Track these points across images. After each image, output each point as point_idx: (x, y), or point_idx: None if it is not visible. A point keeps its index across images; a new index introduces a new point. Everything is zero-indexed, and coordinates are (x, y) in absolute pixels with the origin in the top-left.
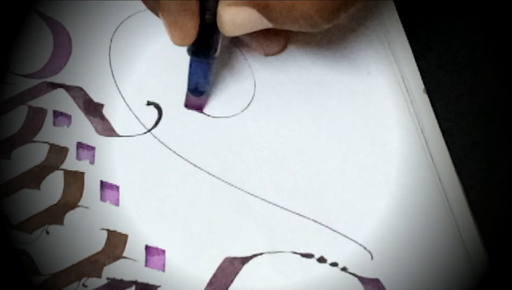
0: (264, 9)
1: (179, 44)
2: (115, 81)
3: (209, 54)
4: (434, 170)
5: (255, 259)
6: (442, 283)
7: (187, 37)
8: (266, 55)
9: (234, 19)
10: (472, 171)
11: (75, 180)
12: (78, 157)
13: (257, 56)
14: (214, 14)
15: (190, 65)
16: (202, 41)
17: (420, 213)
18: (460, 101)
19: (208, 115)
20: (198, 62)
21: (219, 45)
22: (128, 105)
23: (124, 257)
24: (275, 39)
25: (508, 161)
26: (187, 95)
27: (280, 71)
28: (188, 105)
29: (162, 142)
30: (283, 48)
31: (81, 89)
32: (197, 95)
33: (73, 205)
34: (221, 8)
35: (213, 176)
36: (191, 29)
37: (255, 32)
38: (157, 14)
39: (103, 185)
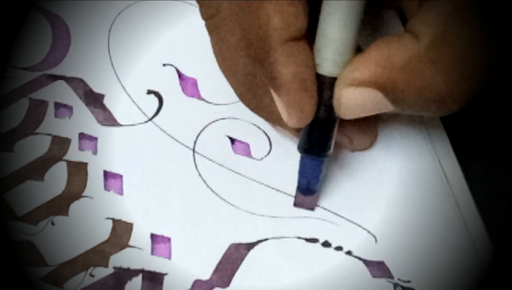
0: (390, 91)
1: (297, 125)
2: (115, 71)
3: (322, 151)
4: (435, 157)
5: (260, 245)
6: (446, 264)
7: (306, 117)
8: (353, 151)
9: (354, 101)
10: (474, 157)
11: (79, 170)
12: (81, 148)
13: None
14: (329, 107)
15: (301, 164)
16: (315, 138)
17: (423, 198)
18: None
19: (209, 102)
20: (310, 160)
21: (333, 141)
22: (128, 95)
23: (130, 246)
24: (366, 135)
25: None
26: (297, 195)
27: None
28: (298, 204)
29: (163, 130)
30: (372, 145)
31: (81, 80)
32: (308, 195)
33: (77, 195)
34: (340, 88)
35: (216, 163)
36: (310, 109)
37: (346, 128)
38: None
39: (107, 174)
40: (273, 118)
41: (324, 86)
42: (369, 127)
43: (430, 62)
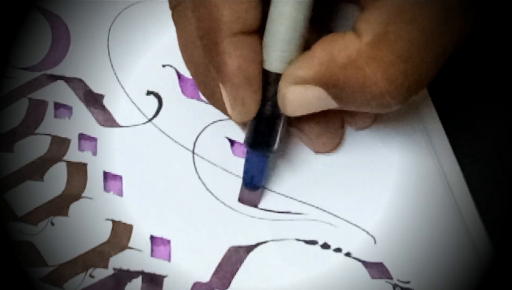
0: (332, 88)
1: (239, 119)
2: (114, 72)
3: (267, 147)
4: (435, 157)
5: (259, 247)
6: (446, 264)
7: (248, 112)
8: (316, 152)
9: (298, 99)
10: (473, 157)
11: (78, 171)
12: (80, 148)
13: None
14: (275, 103)
15: (246, 158)
16: (260, 133)
17: (423, 198)
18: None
19: (208, 103)
20: (255, 155)
21: (279, 138)
22: (128, 95)
23: (130, 248)
24: (328, 137)
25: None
26: (241, 189)
27: None
28: (242, 199)
29: (163, 132)
30: (334, 148)
31: (81, 80)
32: (252, 189)
33: (77, 196)
34: (285, 86)
35: (215, 165)
36: (252, 104)
37: (309, 129)
38: (209, 96)
39: (106, 175)
40: (223, 110)
41: (270, 82)
42: (331, 128)
43: (370, 59)
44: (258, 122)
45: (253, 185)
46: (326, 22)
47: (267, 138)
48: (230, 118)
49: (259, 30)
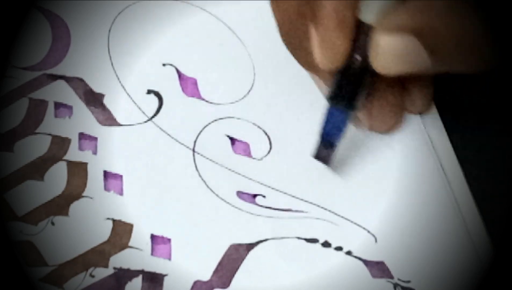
0: (427, 37)
1: (327, 65)
2: (115, 71)
3: (351, 103)
4: (435, 156)
5: (260, 245)
6: (446, 264)
7: (337, 58)
8: (370, 129)
9: (390, 48)
10: (473, 157)
11: (79, 170)
12: (81, 148)
13: (257, 44)
14: (364, 58)
15: (327, 114)
16: (345, 87)
17: (423, 198)
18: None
19: (209, 102)
20: (336, 111)
21: (363, 96)
22: (128, 94)
23: (130, 247)
24: (386, 116)
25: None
26: (317, 146)
27: (280, 59)
28: (317, 156)
29: (163, 130)
30: (390, 129)
31: (81, 80)
32: (328, 147)
33: (77, 195)
34: (378, 34)
35: (216, 163)
36: (343, 49)
37: (371, 105)
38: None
39: (107, 175)
40: (307, 62)
41: (362, 33)
42: (391, 109)
43: (471, 5)
44: (344, 75)
45: (330, 143)
46: None
47: (351, 93)
48: (311, 70)
49: None
